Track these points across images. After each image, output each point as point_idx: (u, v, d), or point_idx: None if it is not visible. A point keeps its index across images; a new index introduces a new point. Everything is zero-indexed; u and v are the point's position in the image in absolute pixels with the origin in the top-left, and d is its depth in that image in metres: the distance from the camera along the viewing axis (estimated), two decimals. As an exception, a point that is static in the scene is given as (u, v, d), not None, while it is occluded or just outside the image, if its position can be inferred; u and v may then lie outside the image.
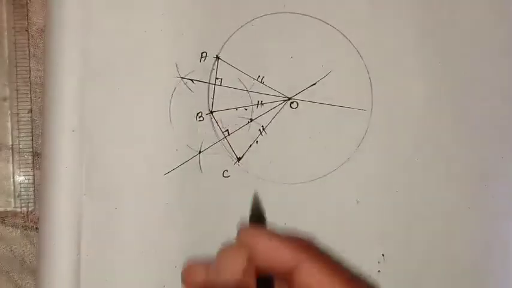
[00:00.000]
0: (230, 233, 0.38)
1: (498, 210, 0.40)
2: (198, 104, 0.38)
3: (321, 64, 0.39)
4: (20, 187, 0.39)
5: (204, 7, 0.38)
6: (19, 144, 0.39)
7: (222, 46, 0.38)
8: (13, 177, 0.39)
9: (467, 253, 0.39)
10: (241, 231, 0.31)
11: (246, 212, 0.38)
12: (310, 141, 0.39)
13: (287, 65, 0.39)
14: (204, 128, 0.38)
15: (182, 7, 0.38)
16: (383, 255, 0.39)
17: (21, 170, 0.39)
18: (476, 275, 0.39)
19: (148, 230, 0.37)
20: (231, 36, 0.39)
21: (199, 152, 0.38)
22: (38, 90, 0.40)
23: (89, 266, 0.37)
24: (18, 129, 0.39)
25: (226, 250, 0.30)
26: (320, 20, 0.39)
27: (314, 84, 0.39)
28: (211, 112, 0.38)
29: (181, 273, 0.31)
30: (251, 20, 0.39)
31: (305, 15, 0.39)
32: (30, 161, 0.39)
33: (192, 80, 0.38)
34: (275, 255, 0.29)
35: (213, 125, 0.38)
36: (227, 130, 0.38)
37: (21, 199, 0.39)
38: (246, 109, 0.38)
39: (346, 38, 0.39)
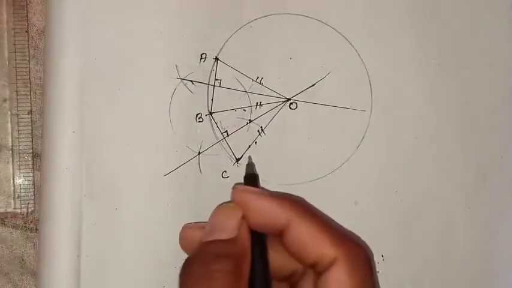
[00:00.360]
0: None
1: (498, 210, 0.39)
2: (197, 105, 0.38)
3: (320, 65, 0.39)
4: (20, 188, 0.39)
5: (203, 8, 0.38)
6: (19, 145, 0.39)
7: (222, 47, 0.38)
8: (13, 178, 0.39)
9: (467, 253, 0.39)
10: (234, 190, 0.31)
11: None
12: (309, 142, 0.39)
13: (286, 66, 0.39)
14: (204, 129, 0.38)
15: (182, 9, 0.38)
16: (382, 256, 0.39)
17: (21, 171, 0.39)
18: (476, 275, 0.39)
19: (148, 230, 0.37)
20: (230, 38, 0.39)
21: (199, 153, 0.38)
22: (38, 91, 0.40)
23: (89, 266, 0.37)
24: (18, 130, 0.39)
25: (220, 209, 0.31)
26: (319, 21, 0.39)
27: (313, 85, 0.39)
28: (211, 113, 0.38)
29: (179, 237, 0.32)
30: (250, 22, 0.39)
31: (304, 16, 0.39)
32: (30, 162, 0.39)
33: (191, 81, 0.38)
34: (267, 213, 0.30)
35: (212, 126, 0.38)
36: (226, 131, 0.38)
37: (21, 200, 0.39)
38: (245, 110, 0.38)
39: (346, 38, 0.39)
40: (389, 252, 0.39)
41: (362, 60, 0.39)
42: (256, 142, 0.38)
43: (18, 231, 0.40)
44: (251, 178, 0.35)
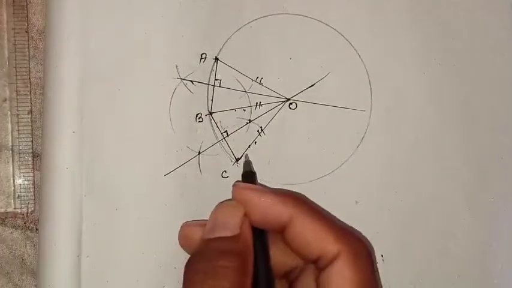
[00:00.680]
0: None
1: (498, 210, 0.39)
2: (197, 105, 0.38)
3: (320, 65, 0.39)
4: (20, 188, 0.39)
5: (203, 9, 0.38)
6: (19, 145, 0.39)
7: (221, 47, 0.38)
8: (13, 178, 0.39)
9: (466, 253, 0.39)
10: (235, 187, 0.31)
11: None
12: (309, 142, 0.39)
13: (286, 66, 0.39)
14: (204, 129, 0.38)
15: (182, 9, 0.38)
16: (382, 256, 0.39)
17: (21, 171, 0.39)
18: (475, 275, 0.39)
19: (148, 230, 0.37)
20: (230, 38, 0.39)
21: (199, 153, 0.38)
22: (38, 91, 0.40)
23: (89, 266, 0.37)
24: (18, 130, 0.39)
25: (222, 206, 0.31)
26: (319, 21, 0.39)
27: (313, 85, 0.39)
28: (211, 113, 0.38)
29: (178, 235, 0.32)
30: (250, 22, 0.39)
31: (304, 16, 0.39)
32: (30, 162, 0.39)
33: (191, 81, 0.38)
34: (269, 209, 0.30)
35: (212, 126, 0.38)
36: (226, 131, 0.38)
37: (21, 200, 0.39)
38: (244, 110, 0.38)
39: (345, 38, 0.39)
40: (389, 252, 0.38)
41: (362, 60, 0.39)
42: (256, 142, 0.38)
43: (18, 231, 0.40)
44: (249, 176, 0.35)
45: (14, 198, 0.39)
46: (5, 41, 0.40)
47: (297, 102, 0.39)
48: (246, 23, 0.39)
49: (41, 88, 0.40)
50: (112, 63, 0.38)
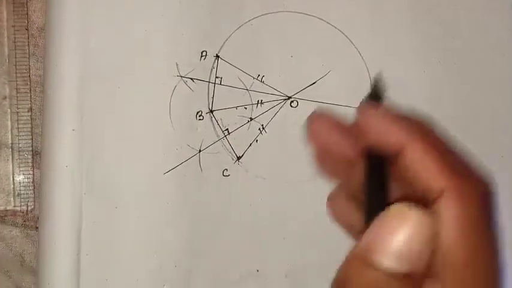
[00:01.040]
0: (230, 231, 0.38)
1: (498, 210, 0.39)
2: (198, 103, 0.38)
3: (321, 63, 0.39)
4: (20, 186, 0.39)
5: (204, 6, 0.38)
6: (19, 143, 0.39)
7: (222, 45, 0.38)
8: (13, 176, 0.39)
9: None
10: (358, 109, 0.28)
11: (246, 211, 0.38)
12: (310, 140, 0.39)
13: (287, 64, 0.39)
14: (204, 127, 0.38)
15: (182, 6, 0.38)
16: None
17: (21, 168, 0.39)
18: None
19: (148, 228, 0.37)
20: (231, 35, 0.39)
21: (199, 151, 0.38)
22: (37, 89, 0.40)
23: (88, 264, 0.37)
24: (18, 128, 0.39)
25: (413, 224, 0.23)
26: (320, 19, 0.39)
27: (314, 83, 0.39)
28: (211, 111, 0.38)
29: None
30: (251, 19, 0.39)
31: (305, 14, 0.39)
32: (30, 160, 0.39)
33: (192, 78, 0.38)
34: (385, 132, 0.26)
35: (213, 124, 0.38)
36: (227, 129, 0.38)
37: (20, 198, 0.39)
38: (245, 108, 0.38)
39: (346, 37, 0.39)
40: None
41: (362, 58, 0.39)
42: (257, 140, 0.38)
43: (18, 229, 0.39)
44: (377, 97, 0.31)
45: (14, 196, 0.39)
46: (5, 39, 0.39)
47: (298, 100, 0.39)
48: (247, 20, 0.39)
49: (40, 86, 0.40)
50: (112, 61, 0.38)
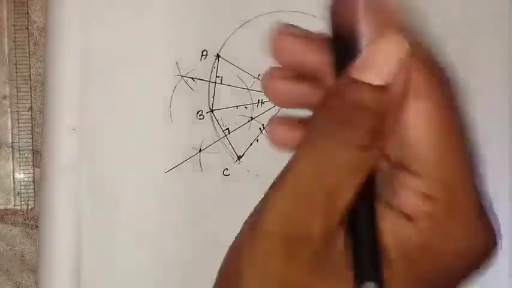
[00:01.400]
0: (231, 231, 0.38)
1: (498, 210, 0.39)
2: (198, 102, 0.38)
3: (321, 62, 0.39)
4: (20, 185, 0.39)
5: (204, 5, 0.38)
6: (19, 142, 0.39)
7: (223, 44, 0.38)
8: (13, 175, 0.39)
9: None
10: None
11: (246, 211, 0.37)
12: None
13: (288, 64, 0.39)
14: (205, 126, 0.38)
15: (183, 5, 0.38)
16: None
17: (21, 168, 0.39)
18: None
19: (148, 228, 0.37)
20: (231, 35, 0.38)
21: (200, 151, 0.38)
22: (38, 88, 0.40)
23: (88, 263, 0.37)
24: (18, 127, 0.39)
25: (382, 41, 0.24)
26: (321, 18, 0.39)
27: (315, 82, 0.39)
28: (212, 110, 0.38)
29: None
30: (252, 19, 0.39)
31: (305, 13, 0.39)
32: (30, 159, 0.39)
33: (192, 78, 0.38)
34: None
35: (213, 124, 0.38)
36: (227, 128, 0.38)
37: (21, 197, 0.39)
38: (246, 107, 0.38)
39: (347, 36, 0.39)
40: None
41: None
42: (257, 140, 0.38)
43: (18, 228, 0.39)
44: None
45: (14, 195, 0.39)
46: (5, 38, 0.39)
47: (298, 99, 0.39)
48: (248, 20, 0.39)
49: (41, 85, 0.40)
50: (112, 61, 0.38)
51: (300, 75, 0.28)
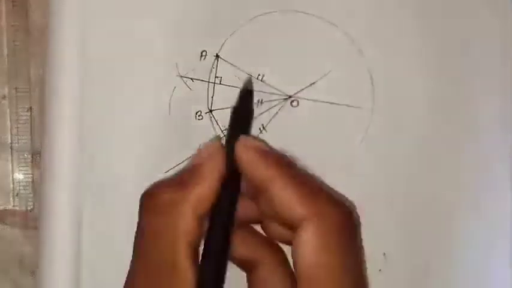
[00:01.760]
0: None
1: (499, 210, 0.39)
2: (197, 102, 0.38)
3: (321, 62, 0.39)
4: (19, 186, 0.39)
5: (204, 5, 0.38)
6: (18, 143, 0.39)
7: (222, 45, 0.38)
8: (12, 176, 0.39)
9: (468, 253, 0.39)
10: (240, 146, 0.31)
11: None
12: (311, 139, 0.39)
13: (287, 64, 0.39)
14: (204, 126, 0.38)
15: (182, 5, 0.38)
16: (384, 254, 0.38)
17: (20, 168, 0.39)
18: (477, 274, 0.39)
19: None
20: (231, 35, 0.38)
21: (199, 151, 0.38)
22: (37, 88, 0.40)
23: (88, 265, 0.37)
24: (18, 127, 0.39)
25: (206, 154, 0.32)
26: (320, 17, 0.39)
27: (315, 82, 0.39)
28: (211, 111, 0.38)
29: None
30: (251, 19, 0.39)
31: (305, 13, 0.39)
32: (29, 160, 0.39)
33: (191, 78, 0.38)
34: (253, 167, 0.30)
35: (212, 124, 0.38)
36: (227, 129, 0.38)
37: (20, 198, 0.39)
38: (246, 107, 0.38)
39: (347, 36, 0.39)
40: (390, 251, 0.38)
41: (364, 57, 0.39)
42: (257, 140, 0.38)
43: (17, 229, 0.39)
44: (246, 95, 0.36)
45: (13, 196, 0.39)
46: (5, 38, 0.39)
47: (298, 99, 0.39)
48: (247, 20, 0.39)
49: (40, 85, 0.40)
50: (112, 61, 0.38)
51: None
